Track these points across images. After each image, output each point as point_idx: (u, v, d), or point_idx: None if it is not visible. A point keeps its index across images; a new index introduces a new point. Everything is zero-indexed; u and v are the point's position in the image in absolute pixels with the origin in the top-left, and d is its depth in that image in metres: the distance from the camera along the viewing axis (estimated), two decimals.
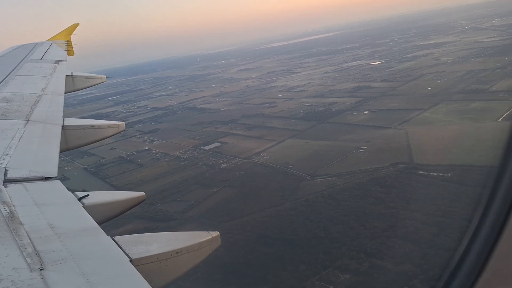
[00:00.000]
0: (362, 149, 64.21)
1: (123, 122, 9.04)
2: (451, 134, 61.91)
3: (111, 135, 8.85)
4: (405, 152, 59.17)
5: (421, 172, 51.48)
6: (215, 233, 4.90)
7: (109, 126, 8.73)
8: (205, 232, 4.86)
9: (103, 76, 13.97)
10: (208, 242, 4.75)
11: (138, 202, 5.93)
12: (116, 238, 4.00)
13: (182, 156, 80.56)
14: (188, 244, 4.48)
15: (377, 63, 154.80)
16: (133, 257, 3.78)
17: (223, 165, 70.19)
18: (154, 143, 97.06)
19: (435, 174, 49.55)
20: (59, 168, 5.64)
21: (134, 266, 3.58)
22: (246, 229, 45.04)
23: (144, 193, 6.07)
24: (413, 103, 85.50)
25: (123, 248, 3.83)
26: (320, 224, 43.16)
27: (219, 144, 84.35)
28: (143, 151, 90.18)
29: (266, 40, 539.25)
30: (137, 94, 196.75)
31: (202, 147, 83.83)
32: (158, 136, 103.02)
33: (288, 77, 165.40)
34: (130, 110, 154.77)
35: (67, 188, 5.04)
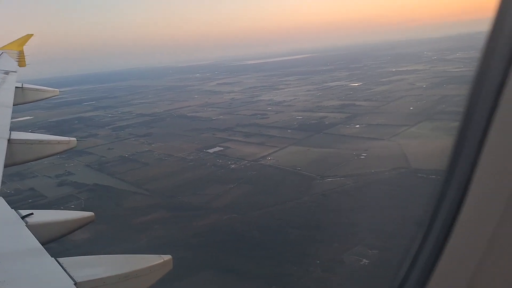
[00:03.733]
0: (363, 155, 71.19)
1: (74, 139, 8.77)
2: (440, 145, 70.00)
3: (61, 152, 8.63)
4: (402, 159, 66.71)
5: (420, 175, 58.87)
6: (167, 257, 4.77)
7: (59, 142, 8.43)
8: (156, 256, 4.74)
9: (55, 89, 14.05)
10: (159, 266, 4.61)
11: (86, 223, 5.84)
12: (60, 260, 3.87)
13: (187, 157, 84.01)
14: (137, 268, 4.37)
15: (356, 84, 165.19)
16: (78, 280, 3.66)
17: (232, 166, 74.72)
18: (152, 145, 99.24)
19: (433, 176, 56.81)
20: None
21: None
22: (275, 217, 50.01)
23: (93, 213, 5.95)
24: (399, 120, 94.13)
25: (68, 271, 3.72)
26: (342, 214, 48.95)
27: (221, 148, 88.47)
28: (144, 152, 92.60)
29: (240, 58, 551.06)
30: (115, 101, 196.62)
31: (205, 150, 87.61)
32: (154, 139, 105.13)
33: (271, 92, 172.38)
34: (114, 115, 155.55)
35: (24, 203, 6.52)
